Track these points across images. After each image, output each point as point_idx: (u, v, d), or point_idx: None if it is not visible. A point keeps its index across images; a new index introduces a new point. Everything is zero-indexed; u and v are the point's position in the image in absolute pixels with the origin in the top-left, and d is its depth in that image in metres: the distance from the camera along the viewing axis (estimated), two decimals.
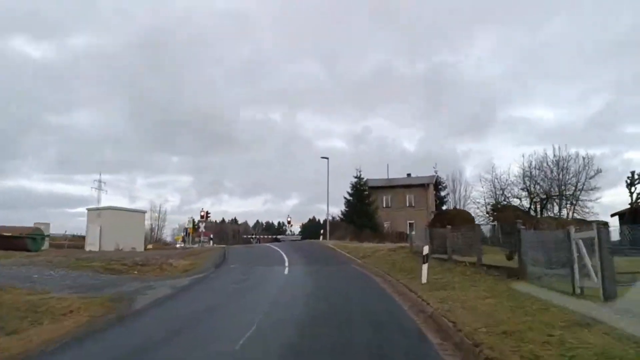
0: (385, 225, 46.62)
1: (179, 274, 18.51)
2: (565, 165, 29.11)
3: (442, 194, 54.26)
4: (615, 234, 17.12)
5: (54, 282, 13.28)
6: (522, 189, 29.55)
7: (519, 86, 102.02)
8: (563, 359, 5.08)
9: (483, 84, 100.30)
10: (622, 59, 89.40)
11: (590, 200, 28.64)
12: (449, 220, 18.44)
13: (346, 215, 46.91)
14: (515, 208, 26.24)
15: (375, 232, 41.39)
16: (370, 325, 8.20)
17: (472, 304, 8.83)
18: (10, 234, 26.69)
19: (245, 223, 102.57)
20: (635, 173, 28.37)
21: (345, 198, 47.48)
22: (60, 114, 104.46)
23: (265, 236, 76.43)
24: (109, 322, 8.84)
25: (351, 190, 47.18)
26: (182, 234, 56.01)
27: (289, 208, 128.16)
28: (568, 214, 28.70)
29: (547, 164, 29.34)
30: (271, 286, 13.87)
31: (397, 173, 55.74)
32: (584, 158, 28.68)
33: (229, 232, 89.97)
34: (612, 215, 28.10)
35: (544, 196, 29.35)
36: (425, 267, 12.88)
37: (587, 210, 28.53)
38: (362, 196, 46.60)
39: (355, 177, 47.35)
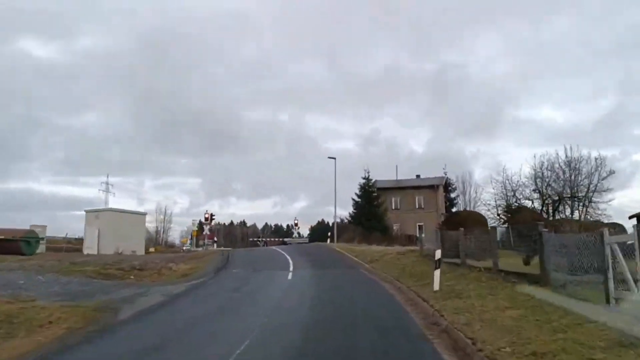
0: (394, 228, 45.62)
1: (177, 279, 17.78)
2: (577, 166, 28.18)
3: (452, 195, 53.17)
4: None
5: (40, 289, 12.49)
6: (534, 191, 28.61)
7: (526, 86, 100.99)
8: None
9: (491, 84, 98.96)
10: (629, 58, 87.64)
11: (603, 202, 27.59)
12: (461, 222, 17.43)
13: (354, 217, 45.92)
14: (531, 210, 25.17)
15: (384, 235, 40.49)
16: (379, 340, 7.23)
17: (491, 316, 7.86)
18: (2, 237, 25.98)
19: (254, 225, 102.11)
20: None
21: (353, 200, 46.62)
22: (67, 115, 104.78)
23: (274, 239, 75.52)
24: (88, 336, 7.98)
25: (359, 191, 46.28)
26: (188, 237, 55.48)
27: (298, 210, 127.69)
28: (580, 216, 27.69)
29: (559, 164, 28.38)
30: (270, 295, 12.87)
31: (405, 175, 54.79)
32: (596, 159, 27.65)
33: (237, 235, 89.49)
34: (631, 217, 26.87)
35: (556, 198, 28.34)
36: (437, 272, 11.92)
37: (599, 212, 27.54)
38: (370, 197, 45.63)
39: (364, 178, 46.48)
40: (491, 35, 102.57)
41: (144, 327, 9.02)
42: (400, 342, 7.18)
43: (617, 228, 17.64)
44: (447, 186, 52.92)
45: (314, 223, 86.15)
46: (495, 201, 28.91)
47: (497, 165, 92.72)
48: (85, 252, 30.01)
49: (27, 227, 28.95)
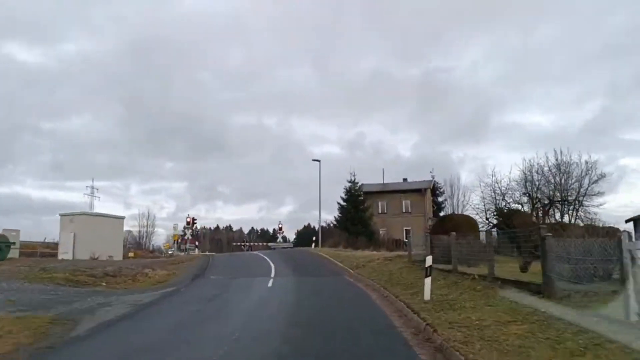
0: (380, 232, 44.64)
1: (151, 286, 16.62)
2: (567, 170, 27.66)
3: (440, 199, 52.46)
4: None
5: None
6: (524, 194, 27.99)
7: (513, 91, 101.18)
8: None
9: (478, 88, 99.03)
10: (616, 62, 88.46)
11: (594, 206, 27.07)
12: (452, 226, 16.44)
13: (340, 222, 44.79)
14: (527, 214, 24.44)
15: (370, 240, 39.53)
16: None
17: (493, 333, 6.85)
18: None
19: (240, 230, 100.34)
20: None
21: (339, 204, 45.46)
22: (54, 119, 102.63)
23: (259, 243, 74.06)
24: (34, 354, 6.76)
25: (345, 195, 45.14)
26: (171, 242, 53.92)
27: (284, 215, 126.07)
28: (570, 220, 27.12)
29: (549, 168, 27.83)
30: (245, 306, 11.66)
31: (392, 179, 53.75)
32: (586, 162, 27.15)
33: (223, 240, 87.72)
34: (627, 221, 26.46)
35: (547, 201, 27.74)
36: (428, 281, 10.93)
37: (590, 216, 27.00)
38: (356, 202, 44.55)
39: (350, 182, 45.37)
40: (478, 40, 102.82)
41: (98, 345, 7.72)
42: None
43: (620, 233, 16.85)
44: (435, 190, 52.20)
45: (300, 227, 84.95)
46: (484, 205, 28.22)
47: (484, 169, 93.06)
48: (60, 257, 28.55)
49: None
